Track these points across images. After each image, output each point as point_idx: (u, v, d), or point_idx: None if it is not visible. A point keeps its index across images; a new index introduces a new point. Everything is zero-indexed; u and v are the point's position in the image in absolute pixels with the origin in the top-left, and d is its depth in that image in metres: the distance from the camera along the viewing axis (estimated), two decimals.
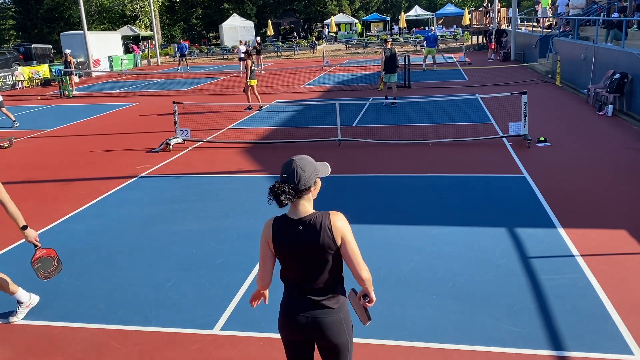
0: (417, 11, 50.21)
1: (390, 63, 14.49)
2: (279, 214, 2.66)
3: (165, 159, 10.16)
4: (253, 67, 15.81)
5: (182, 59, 31.90)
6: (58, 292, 5.08)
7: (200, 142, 11.37)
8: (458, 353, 3.85)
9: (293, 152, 10.07)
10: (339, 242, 2.53)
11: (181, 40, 34.30)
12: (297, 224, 2.53)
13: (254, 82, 15.69)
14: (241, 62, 26.93)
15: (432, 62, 23.37)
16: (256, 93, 15.88)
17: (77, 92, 22.60)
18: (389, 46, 14.75)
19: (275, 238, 2.56)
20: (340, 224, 2.54)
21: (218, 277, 5.21)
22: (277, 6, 55.26)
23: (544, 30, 22.97)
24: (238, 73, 26.91)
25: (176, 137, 11.17)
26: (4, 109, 14.56)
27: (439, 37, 23.33)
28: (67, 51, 23.71)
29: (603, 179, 7.59)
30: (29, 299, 4.71)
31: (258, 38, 31.06)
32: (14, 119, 14.83)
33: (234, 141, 11.36)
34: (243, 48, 26.86)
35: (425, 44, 23.49)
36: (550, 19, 23.76)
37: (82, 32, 30.49)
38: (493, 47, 27.98)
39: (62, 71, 22.90)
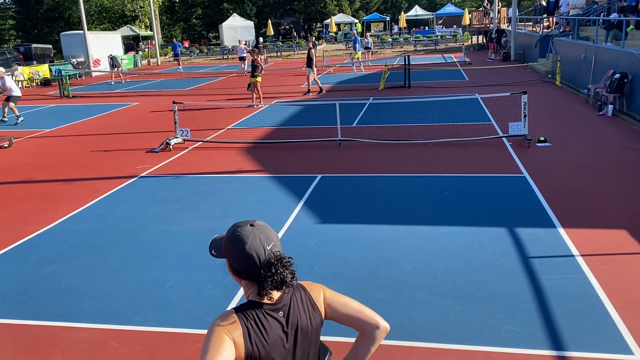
0: (417, 11, 50.22)
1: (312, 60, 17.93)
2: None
3: (165, 159, 10.16)
4: (257, 65, 15.95)
5: (176, 59, 31.93)
6: (58, 292, 5.08)
7: (200, 142, 11.37)
8: (458, 353, 3.85)
9: (293, 152, 10.07)
10: (322, 310, 1.92)
11: (174, 40, 34.31)
12: (276, 310, 1.81)
13: (258, 80, 15.86)
14: (242, 62, 27.00)
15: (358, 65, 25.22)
16: (259, 91, 16.02)
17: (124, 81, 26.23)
18: (311, 45, 18.23)
19: (252, 345, 1.73)
20: (315, 287, 1.96)
21: (218, 277, 5.21)
22: (277, 6, 55.26)
23: (544, 30, 22.98)
24: (242, 72, 26.94)
25: (176, 137, 11.17)
26: (11, 104, 15.11)
27: (361, 40, 25.36)
28: (113, 53, 27.19)
29: (603, 179, 7.59)
30: None
31: (260, 39, 31.09)
32: (18, 114, 15.26)
33: (234, 141, 11.36)
34: (243, 47, 26.93)
35: (356, 47, 24.77)
36: (550, 19, 23.77)
37: (82, 32, 30.48)
38: (493, 47, 27.98)
39: (112, 64, 26.35)
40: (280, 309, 1.81)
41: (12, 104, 15.18)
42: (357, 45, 24.35)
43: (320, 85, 18.39)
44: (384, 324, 1.93)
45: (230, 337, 1.70)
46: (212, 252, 1.88)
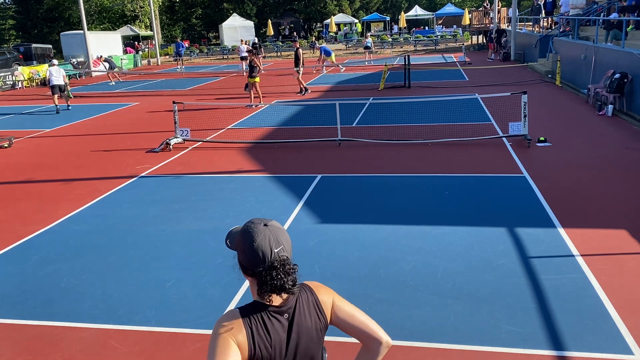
0: (417, 11, 50.23)
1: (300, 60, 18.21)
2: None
3: (165, 158, 10.16)
4: (255, 66, 15.95)
5: (178, 59, 32.18)
6: (58, 292, 5.08)
7: (200, 142, 11.37)
8: (458, 353, 3.85)
9: (293, 152, 10.07)
10: (329, 315, 1.92)
11: (178, 39, 35.00)
12: (280, 312, 1.80)
13: (257, 80, 15.88)
14: (243, 62, 27.05)
15: (331, 65, 26.28)
16: (259, 91, 16.05)
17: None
18: (298, 46, 18.63)
19: (255, 347, 1.74)
20: (324, 291, 1.95)
21: (218, 277, 5.21)
22: (277, 6, 55.28)
23: (544, 30, 22.98)
24: (241, 72, 26.99)
25: (176, 137, 11.17)
26: (55, 96, 17.01)
27: (330, 49, 26.13)
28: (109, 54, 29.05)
29: (603, 179, 7.59)
30: None
31: (256, 39, 31.21)
32: (56, 104, 17.14)
33: (234, 141, 11.36)
34: (244, 47, 26.98)
35: (324, 54, 25.19)
36: (550, 19, 23.78)
37: (82, 32, 30.50)
38: (493, 47, 27.98)
39: (110, 67, 27.07)
40: (285, 312, 1.80)
41: (55, 96, 17.02)
42: (328, 51, 24.65)
43: (304, 85, 18.40)
44: (386, 340, 1.92)
45: (235, 340, 1.71)
46: (227, 242, 1.90)
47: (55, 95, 17.03)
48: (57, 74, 17.11)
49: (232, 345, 1.70)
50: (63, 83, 17.22)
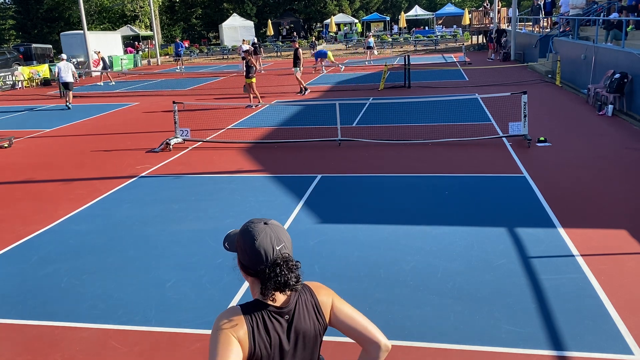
0: (417, 11, 50.24)
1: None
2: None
3: (165, 158, 10.16)
4: (252, 66, 15.94)
5: (177, 59, 32.15)
6: (58, 292, 5.08)
7: (200, 142, 11.37)
8: (458, 353, 3.85)
9: (293, 152, 10.07)
10: (328, 317, 1.91)
11: (177, 40, 34.89)
12: (281, 314, 1.79)
13: (253, 80, 15.87)
14: (244, 61, 27.11)
15: (331, 65, 26.81)
16: (255, 91, 16.04)
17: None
18: (297, 46, 18.60)
19: (255, 345, 1.74)
20: (324, 292, 1.95)
21: (218, 277, 5.21)
22: (277, 6, 55.28)
23: (544, 30, 22.99)
24: (241, 72, 27.03)
25: (176, 137, 11.17)
26: (70, 94, 17.67)
27: (328, 51, 26.25)
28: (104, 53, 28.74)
29: (603, 179, 7.59)
30: None
31: (255, 39, 31.25)
32: (67, 101, 17.62)
33: (234, 141, 11.36)
34: (246, 47, 27.03)
35: (320, 56, 25.58)
36: (550, 19, 23.78)
37: (82, 32, 30.50)
38: (493, 47, 27.98)
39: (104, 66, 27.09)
40: (286, 313, 1.79)
41: (70, 93, 17.62)
42: (324, 52, 24.83)
43: (304, 85, 18.43)
44: (385, 343, 1.89)
45: (236, 336, 1.71)
46: (225, 244, 1.90)
47: (67, 92, 17.66)
48: (66, 69, 17.37)
49: (234, 341, 1.70)
50: (72, 80, 17.58)
